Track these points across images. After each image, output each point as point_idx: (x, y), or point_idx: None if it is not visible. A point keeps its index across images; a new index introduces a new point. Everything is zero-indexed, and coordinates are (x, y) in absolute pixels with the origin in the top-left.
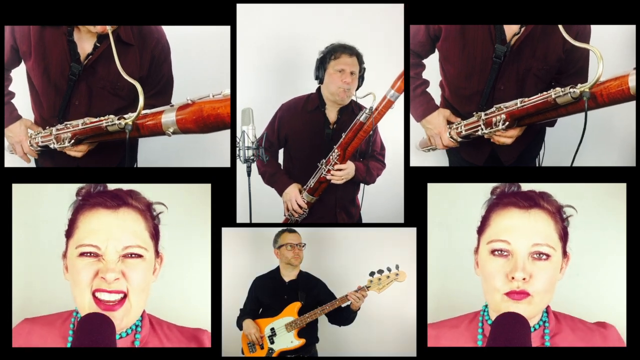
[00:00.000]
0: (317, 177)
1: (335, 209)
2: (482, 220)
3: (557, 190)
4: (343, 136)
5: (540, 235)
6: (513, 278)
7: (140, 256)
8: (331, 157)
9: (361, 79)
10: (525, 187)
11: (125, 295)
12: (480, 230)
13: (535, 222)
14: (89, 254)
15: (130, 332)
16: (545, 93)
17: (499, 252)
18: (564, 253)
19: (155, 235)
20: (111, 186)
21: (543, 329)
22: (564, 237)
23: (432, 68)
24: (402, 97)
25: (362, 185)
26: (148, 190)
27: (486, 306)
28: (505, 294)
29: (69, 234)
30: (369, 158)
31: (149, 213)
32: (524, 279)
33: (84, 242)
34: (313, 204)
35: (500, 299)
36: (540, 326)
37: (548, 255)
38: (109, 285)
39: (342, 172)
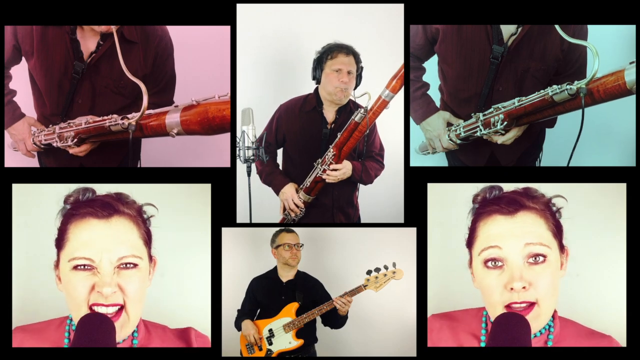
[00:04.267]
0: (312, 176)
1: (333, 210)
2: (470, 232)
3: (557, 191)
4: (338, 136)
5: (531, 235)
6: (512, 289)
7: (135, 266)
8: (327, 157)
9: (359, 78)
10: (507, 187)
11: (122, 307)
12: (470, 242)
13: (523, 224)
14: (83, 267)
15: (127, 337)
16: (542, 91)
17: (493, 262)
18: (561, 248)
19: (148, 241)
20: (101, 189)
21: (547, 334)
22: (557, 233)
23: (432, 72)
24: (399, 98)
25: (360, 186)
26: (148, 190)
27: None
28: (506, 306)
29: (59, 244)
30: (367, 158)
31: (140, 218)
32: (523, 287)
33: (77, 254)
34: (309, 203)
35: (502, 311)
36: (545, 330)
37: (544, 256)
38: (106, 299)
39: (337, 172)
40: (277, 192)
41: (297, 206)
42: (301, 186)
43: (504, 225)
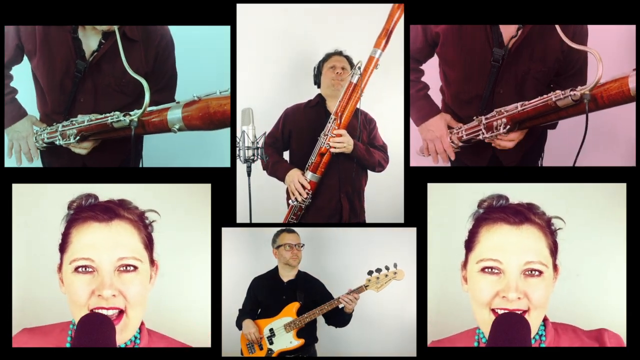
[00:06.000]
0: (317, 150)
1: (340, 193)
2: (470, 235)
3: (558, 191)
4: (338, 103)
5: (532, 253)
6: (504, 297)
7: (135, 268)
8: (329, 125)
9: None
10: (514, 198)
11: (122, 311)
12: (469, 245)
13: (527, 239)
14: (83, 268)
15: (129, 343)
16: (545, 96)
17: (490, 269)
18: (554, 267)
19: (149, 245)
20: (102, 190)
21: (538, 344)
22: (554, 251)
23: (432, 73)
24: (400, 99)
25: (364, 187)
26: (149, 191)
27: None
28: (492, 309)
29: (62, 248)
30: (372, 148)
31: (141, 223)
32: (518, 298)
33: (78, 255)
34: (317, 184)
35: (488, 316)
36: (536, 341)
37: (540, 272)
38: (107, 302)
39: (340, 138)
40: (283, 178)
41: (304, 187)
42: (307, 165)
43: (508, 236)
